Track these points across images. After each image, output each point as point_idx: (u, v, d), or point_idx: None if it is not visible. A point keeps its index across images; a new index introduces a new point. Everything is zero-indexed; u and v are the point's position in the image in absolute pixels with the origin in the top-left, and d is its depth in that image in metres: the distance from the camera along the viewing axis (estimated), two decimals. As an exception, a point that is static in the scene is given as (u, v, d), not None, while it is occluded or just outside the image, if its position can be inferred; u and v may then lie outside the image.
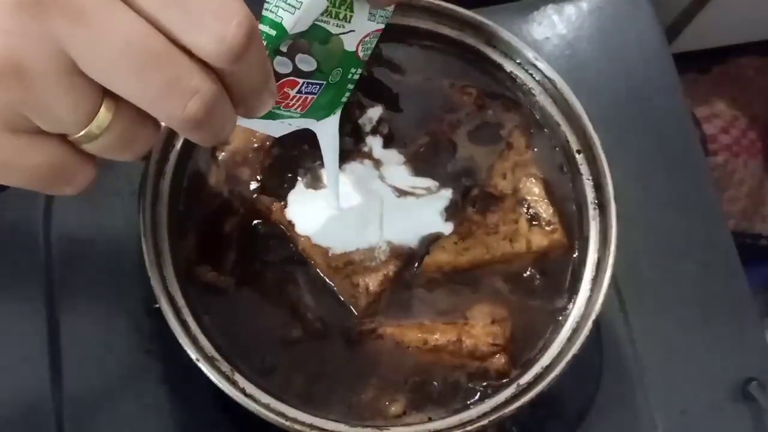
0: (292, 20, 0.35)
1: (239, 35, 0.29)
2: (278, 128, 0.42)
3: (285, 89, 0.38)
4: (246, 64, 0.30)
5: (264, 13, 0.35)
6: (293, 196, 0.50)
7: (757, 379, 0.62)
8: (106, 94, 0.30)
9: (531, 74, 0.53)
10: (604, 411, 0.59)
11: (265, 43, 0.35)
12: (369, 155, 0.52)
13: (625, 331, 0.63)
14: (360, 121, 0.53)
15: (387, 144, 0.52)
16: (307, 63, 0.38)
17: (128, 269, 0.59)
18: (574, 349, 0.46)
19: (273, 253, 0.49)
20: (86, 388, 0.57)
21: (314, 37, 0.37)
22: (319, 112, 0.41)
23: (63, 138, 0.30)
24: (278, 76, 0.37)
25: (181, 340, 0.44)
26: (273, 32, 0.35)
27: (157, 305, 0.45)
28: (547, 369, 0.46)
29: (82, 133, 0.30)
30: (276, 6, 0.35)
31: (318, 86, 0.39)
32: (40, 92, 0.28)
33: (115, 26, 0.28)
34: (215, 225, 0.50)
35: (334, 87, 0.40)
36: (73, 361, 0.57)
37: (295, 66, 0.37)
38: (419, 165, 0.52)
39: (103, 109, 0.30)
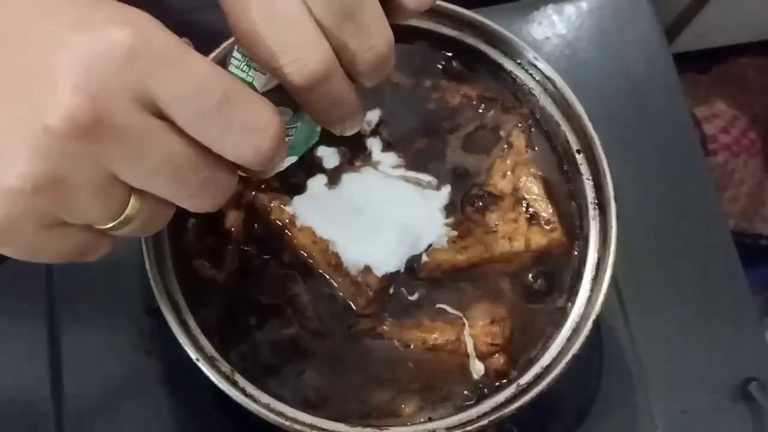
0: (263, 81, 0.36)
1: (273, 145, 0.32)
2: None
3: None
4: (274, 163, 0.34)
5: (232, 69, 0.35)
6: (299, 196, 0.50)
7: (757, 379, 0.62)
8: (134, 191, 0.32)
9: (531, 74, 0.54)
10: (604, 411, 0.59)
11: None
12: (369, 157, 0.52)
13: (625, 331, 0.63)
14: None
15: (386, 146, 0.52)
16: (283, 113, 0.38)
17: (128, 269, 0.59)
18: (574, 349, 0.46)
19: (272, 251, 0.49)
20: (86, 388, 0.57)
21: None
22: (298, 148, 0.41)
23: (88, 225, 0.33)
24: None
25: (181, 340, 0.44)
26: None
27: (157, 305, 0.45)
28: (547, 369, 0.46)
29: (109, 225, 0.32)
30: (247, 65, 0.35)
31: (294, 129, 0.39)
32: (75, 201, 0.30)
33: (158, 146, 0.30)
34: (215, 223, 0.50)
35: (308, 122, 0.40)
36: (73, 360, 0.57)
37: None
38: (419, 166, 0.52)
39: (130, 206, 0.32)
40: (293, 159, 0.41)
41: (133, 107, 0.30)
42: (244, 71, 0.36)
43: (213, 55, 0.48)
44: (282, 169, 0.39)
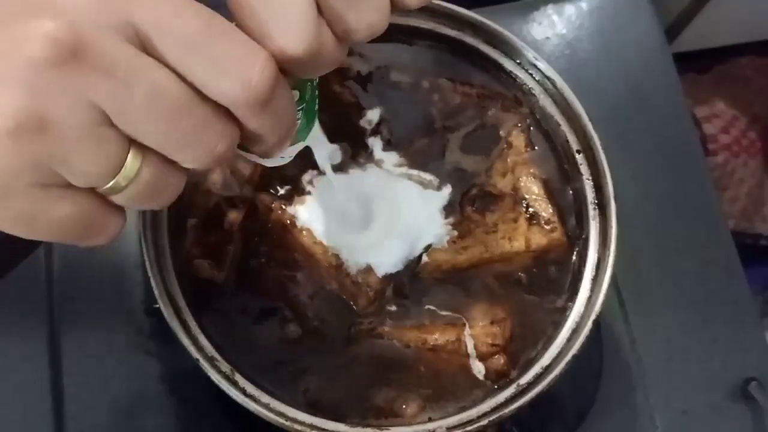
0: None
1: (266, 78, 0.29)
2: (273, 161, 0.41)
3: None
4: (273, 108, 0.30)
5: None
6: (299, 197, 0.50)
7: (757, 379, 0.62)
8: (133, 144, 0.29)
9: (531, 74, 0.53)
10: (604, 411, 0.59)
11: None
12: (370, 157, 0.52)
13: (625, 331, 0.63)
14: (360, 123, 0.53)
15: (387, 145, 0.52)
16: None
17: (128, 269, 0.59)
18: (574, 349, 0.46)
19: (272, 252, 0.49)
20: (86, 389, 0.57)
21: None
22: (303, 133, 0.41)
23: (91, 190, 0.30)
24: None
25: (181, 340, 0.44)
26: None
27: (157, 305, 0.45)
28: (547, 369, 0.46)
29: (109, 184, 0.29)
30: None
31: (300, 111, 0.39)
32: (66, 146, 0.28)
33: (145, 79, 0.28)
34: (215, 223, 0.50)
35: (308, 104, 0.40)
36: (73, 360, 0.57)
37: None
38: (419, 166, 0.52)
39: (129, 160, 0.29)
40: (300, 147, 0.41)
41: (117, 37, 0.28)
42: None
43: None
44: (290, 158, 0.39)
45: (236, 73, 0.29)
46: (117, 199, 0.30)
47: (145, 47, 0.29)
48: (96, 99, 0.28)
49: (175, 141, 0.29)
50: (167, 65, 0.29)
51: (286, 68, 0.33)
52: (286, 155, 0.41)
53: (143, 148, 0.29)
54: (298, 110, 0.38)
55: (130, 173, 0.29)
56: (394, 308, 0.49)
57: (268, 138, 0.33)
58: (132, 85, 0.28)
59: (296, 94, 0.37)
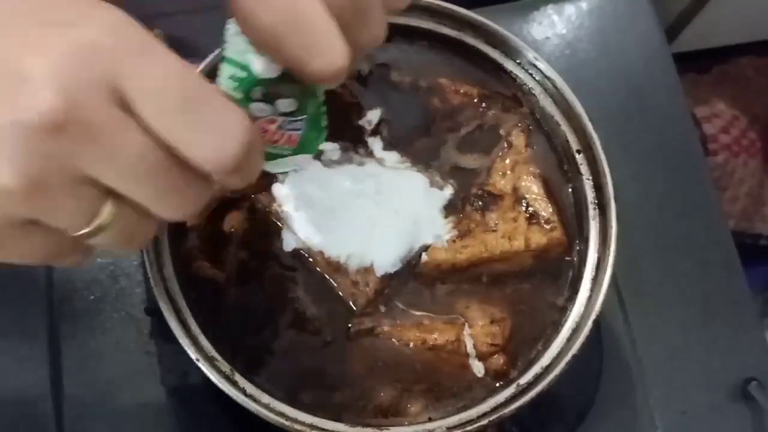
0: (260, 64, 0.35)
1: (237, 151, 0.31)
2: (277, 166, 0.41)
3: (263, 125, 0.37)
4: (245, 168, 0.32)
5: (229, 54, 0.35)
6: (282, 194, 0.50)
7: (757, 379, 0.62)
8: (109, 196, 0.31)
9: (531, 74, 0.54)
10: (604, 411, 0.59)
11: (236, 85, 0.35)
12: (370, 156, 0.52)
13: (625, 331, 0.63)
14: (360, 123, 0.53)
15: (387, 145, 0.52)
16: (289, 106, 0.37)
17: (128, 269, 0.59)
18: (574, 349, 0.46)
19: (272, 252, 0.49)
20: (86, 388, 0.57)
21: (293, 80, 0.37)
22: (311, 145, 0.41)
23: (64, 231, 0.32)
24: (256, 118, 0.37)
25: (181, 340, 0.44)
26: (243, 74, 0.35)
27: (157, 305, 0.45)
28: (547, 369, 0.46)
29: (83, 231, 0.31)
30: (245, 49, 0.35)
31: (301, 122, 0.39)
32: (52, 203, 0.30)
33: (128, 146, 0.30)
34: (215, 223, 0.50)
35: (313, 117, 0.40)
36: (73, 360, 0.57)
37: (275, 110, 0.37)
38: (419, 165, 0.52)
39: (106, 213, 0.31)
40: (309, 158, 0.41)
41: (105, 103, 0.29)
42: (240, 54, 0.35)
43: (206, 62, 0.48)
44: (301, 168, 0.39)
45: (213, 145, 0.30)
46: (90, 242, 0.32)
47: (128, 108, 0.30)
48: (81, 164, 0.29)
49: (151, 197, 0.31)
50: (148, 128, 0.30)
51: (305, 80, 0.35)
52: (294, 167, 0.41)
53: (120, 198, 0.31)
54: (299, 120, 0.38)
55: (104, 223, 0.31)
56: (393, 308, 0.49)
57: (239, 185, 0.34)
58: (116, 151, 0.30)
59: (293, 102, 0.37)
